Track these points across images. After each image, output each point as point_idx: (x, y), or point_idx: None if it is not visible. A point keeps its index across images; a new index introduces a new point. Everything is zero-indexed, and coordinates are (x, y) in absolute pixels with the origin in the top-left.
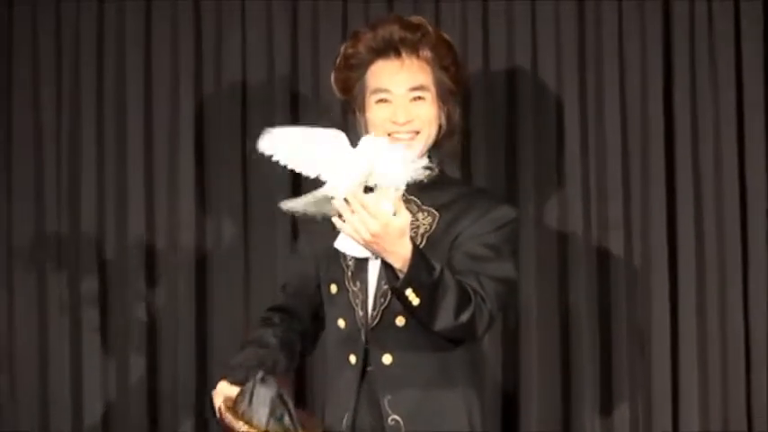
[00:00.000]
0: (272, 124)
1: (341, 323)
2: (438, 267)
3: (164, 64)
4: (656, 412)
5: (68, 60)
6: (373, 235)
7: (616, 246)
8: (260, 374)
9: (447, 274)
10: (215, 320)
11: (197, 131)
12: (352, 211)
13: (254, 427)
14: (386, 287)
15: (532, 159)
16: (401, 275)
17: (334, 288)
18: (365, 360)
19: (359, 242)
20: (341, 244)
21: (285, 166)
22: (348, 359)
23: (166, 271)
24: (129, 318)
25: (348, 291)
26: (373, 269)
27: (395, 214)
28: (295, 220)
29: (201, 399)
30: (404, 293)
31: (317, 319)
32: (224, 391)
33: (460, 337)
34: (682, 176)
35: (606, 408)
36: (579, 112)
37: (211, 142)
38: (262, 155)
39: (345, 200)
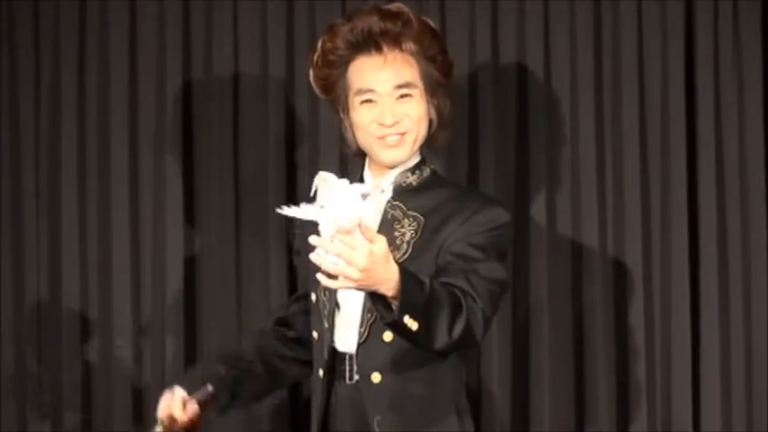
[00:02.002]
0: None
1: (315, 334)
2: (426, 281)
3: (150, 62)
4: (675, 422)
5: (47, 59)
6: (363, 270)
7: (633, 251)
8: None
9: (435, 285)
10: (204, 336)
11: (185, 135)
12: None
13: None
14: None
15: (545, 165)
16: (394, 303)
17: (313, 297)
18: (331, 376)
19: (350, 287)
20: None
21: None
22: (317, 373)
23: (153, 285)
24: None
25: (319, 300)
26: None
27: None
28: (288, 232)
29: None
30: (402, 322)
31: None
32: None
33: (461, 347)
34: (704, 179)
35: (622, 420)
36: (595, 115)
37: (201, 148)
38: None
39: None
